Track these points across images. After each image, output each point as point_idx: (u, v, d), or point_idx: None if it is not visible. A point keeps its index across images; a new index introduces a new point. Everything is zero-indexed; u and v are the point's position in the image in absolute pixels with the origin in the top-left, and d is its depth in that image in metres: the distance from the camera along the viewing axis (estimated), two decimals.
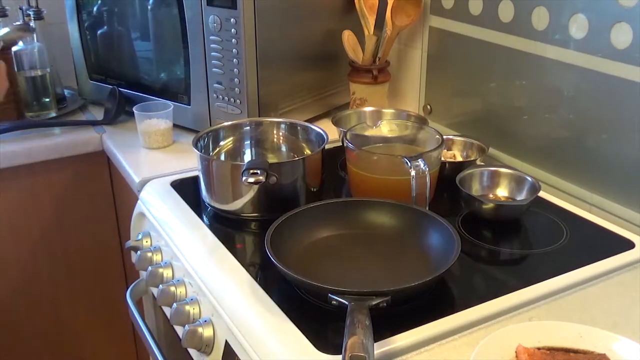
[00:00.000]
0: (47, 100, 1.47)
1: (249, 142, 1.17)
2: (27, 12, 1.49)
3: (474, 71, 1.27)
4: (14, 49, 1.43)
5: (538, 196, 1.01)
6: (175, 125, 1.34)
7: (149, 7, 1.36)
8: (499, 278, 0.92)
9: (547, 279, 0.85)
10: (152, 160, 1.28)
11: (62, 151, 1.41)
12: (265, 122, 1.19)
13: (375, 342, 0.68)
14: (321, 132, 1.11)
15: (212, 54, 1.25)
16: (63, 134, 1.43)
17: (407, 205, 0.93)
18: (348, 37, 1.38)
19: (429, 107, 1.41)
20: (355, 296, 0.72)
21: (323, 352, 0.72)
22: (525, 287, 0.84)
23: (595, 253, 0.92)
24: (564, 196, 1.11)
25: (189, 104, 1.35)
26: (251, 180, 0.94)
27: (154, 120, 1.32)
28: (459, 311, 0.79)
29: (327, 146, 1.07)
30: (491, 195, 1.07)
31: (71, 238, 1.51)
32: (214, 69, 1.26)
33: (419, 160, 0.94)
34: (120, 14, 1.44)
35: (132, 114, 1.33)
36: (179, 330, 0.90)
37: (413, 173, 0.93)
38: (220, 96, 1.28)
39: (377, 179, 1.01)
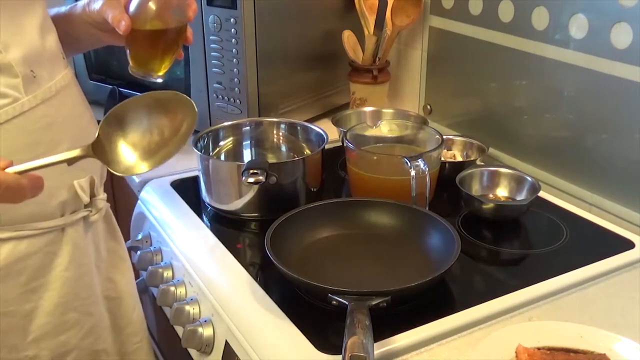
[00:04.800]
0: None
1: (249, 142, 1.17)
2: None
3: (474, 71, 1.27)
4: None
5: (538, 196, 1.01)
6: None
7: None
8: (499, 278, 0.92)
9: (547, 279, 0.85)
10: None
11: None
12: (265, 122, 1.19)
13: (375, 342, 0.68)
14: (321, 132, 1.11)
15: (212, 54, 1.25)
16: None
17: (407, 205, 0.93)
18: (348, 37, 1.38)
19: (429, 107, 1.41)
20: (355, 296, 0.72)
21: (323, 352, 0.72)
22: (525, 287, 0.84)
23: (595, 253, 0.91)
24: (564, 196, 1.11)
25: None
26: (251, 180, 0.94)
27: None
28: (459, 311, 0.79)
29: (327, 146, 1.07)
30: (491, 195, 1.07)
31: None
32: (214, 69, 1.26)
33: (419, 160, 0.94)
34: None
35: None
36: (179, 330, 0.90)
37: (413, 173, 0.93)
38: (220, 96, 1.28)
39: (377, 179, 1.01)
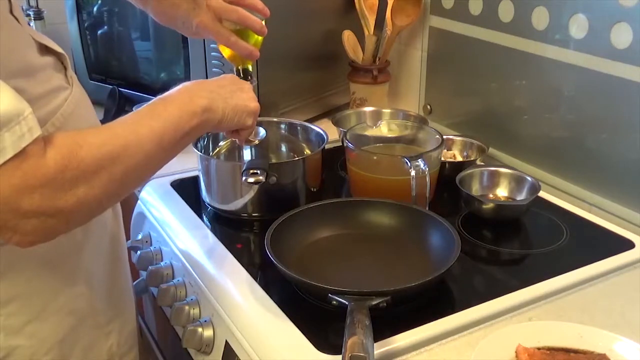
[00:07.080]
0: None
1: None
2: (27, 12, 1.49)
3: (474, 71, 1.27)
4: None
5: (538, 196, 1.01)
6: None
7: None
8: (499, 278, 0.92)
9: (547, 279, 0.85)
10: None
11: None
12: (265, 122, 1.18)
13: (375, 342, 0.68)
14: (321, 132, 1.11)
15: (212, 54, 1.25)
16: None
17: (407, 205, 0.93)
18: (348, 37, 1.38)
19: (429, 107, 1.41)
20: (355, 296, 0.72)
21: (323, 352, 0.72)
22: (525, 287, 0.84)
23: (595, 253, 0.92)
24: (564, 196, 1.11)
25: None
26: (251, 180, 0.94)
27: None
28: (459, 311, 0.79)
29: (327, 146, 1.07)
30: (491, 195, 1.07)
31: None
32: (214, 69, 1.26)
33: (419, 160, 0.94)
34: (120, 14, 1.44)
35: None
36: (179, 330, 0.90)
37: (413, 173, 0.93)
38: None
39: (377, 179, 1.01)
